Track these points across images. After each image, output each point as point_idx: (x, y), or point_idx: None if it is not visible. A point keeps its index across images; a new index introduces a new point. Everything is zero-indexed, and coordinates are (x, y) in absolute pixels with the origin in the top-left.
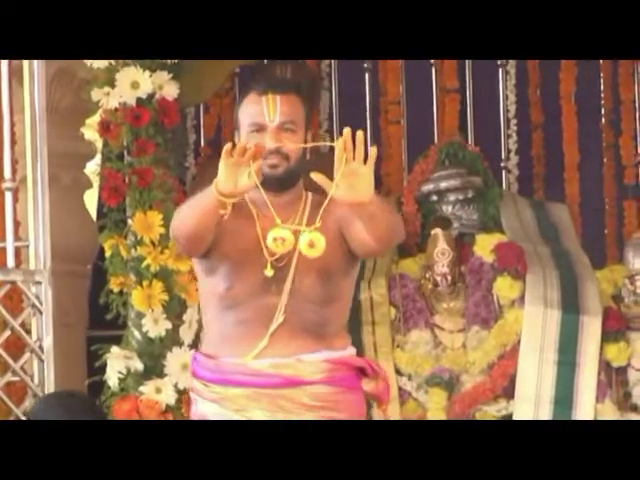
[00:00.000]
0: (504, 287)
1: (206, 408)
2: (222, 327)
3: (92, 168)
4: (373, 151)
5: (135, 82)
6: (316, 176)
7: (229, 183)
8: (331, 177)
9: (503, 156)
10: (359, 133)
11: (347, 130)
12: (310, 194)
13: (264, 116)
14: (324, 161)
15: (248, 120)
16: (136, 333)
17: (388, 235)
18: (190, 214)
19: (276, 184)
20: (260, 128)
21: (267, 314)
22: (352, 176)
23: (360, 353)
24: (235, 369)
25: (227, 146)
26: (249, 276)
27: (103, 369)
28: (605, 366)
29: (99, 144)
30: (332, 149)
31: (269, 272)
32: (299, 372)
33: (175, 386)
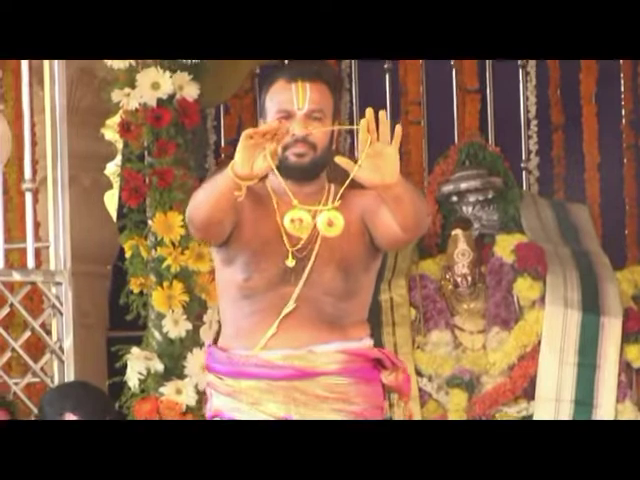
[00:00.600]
0: (524, 288)
1: (221, 402)
2: (237, 317)
3: (112, 169)
4: (398, 130)
5: (155, 83)
6: (340, 159)
7: (246, 165)
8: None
9: (523, 157)
10: (381, 113)
11: (369, 110)
12: (333, 186)
13: (292, 103)
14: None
15: (276, 107)
16: (156, 334)
17: (415, 219)
18: (205, 197)
19: (300, 174)
20: (288, 115)
21: (281, 304)
22: (377, 157)
23: None
24: (247, 361)
25: (248, 130)
26: (269, 266)
27: (123, 370)
28: (625, 367)
29: (119, 145)
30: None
31: (290, 262)
32: (311, 363)
33: (195, 387)
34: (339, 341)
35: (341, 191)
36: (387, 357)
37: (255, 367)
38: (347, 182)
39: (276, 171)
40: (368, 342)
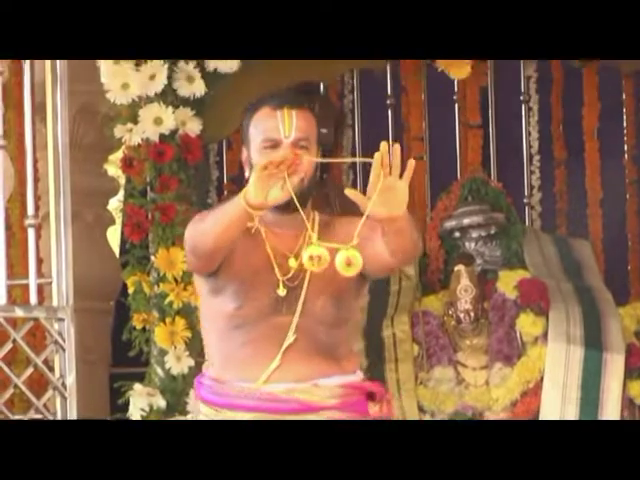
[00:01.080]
0: (527, 324)
1: None
2: (230, 348)
3: (115, 204)
4: (411, 164)
5: (158, 118)
6: (350, 192)
7: (260, 196)
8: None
9: (526, 192)
10: (396, 147)
11: (384, 144)
12: (317, 213)
13: (279, 131)
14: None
15: (261, 136)
16: (159, 370)
17: (412, 251)
18: (213, 225)
19: (287, 203)
20: (274, 144)
21: (277, 334)
22: (387, 191)
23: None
24: (247, 393)
25: (263, 161)
26: (260, 296)
27: (126, 406)
28: (628, 403)
29: (122, 180)
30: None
31: (282, 292)
32: (315, 397)
33: None
34: (338, 374)
35: (358, 229)
36: (379, 390)
37: (257, 400)
38: (362, 220)
39: (297, 201)
40: (360, 375)
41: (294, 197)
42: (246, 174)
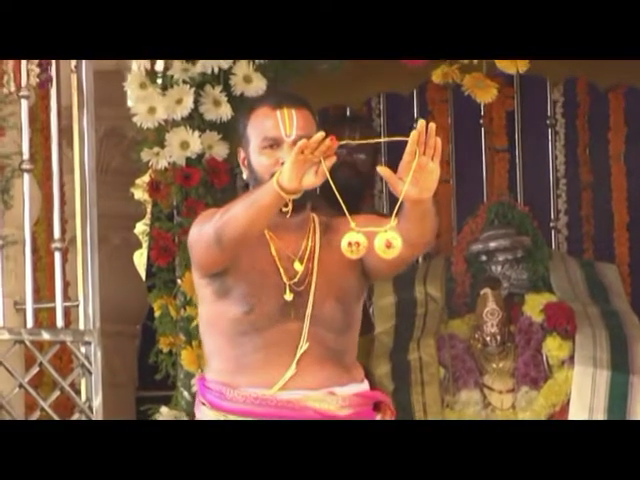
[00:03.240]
0: (553, 347)
1: None
2: (239, 354)
3: (141, 228)
4: (439, 143)
5: (185, 142)
6: (384, 171)
7: (295, 180)
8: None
9: (552, 216)
10: (431, 125)
11: (422, 122)
12: (315, 215)
13: (279, 130)
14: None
15: (261, 135)
16: (185, 393)
17: (430, 236)
18: (246, 210)
19: (291, 205)
20: (275, 143)
21: (288, 340)
22: (420, 170)
23: (410, 413)
24: (262, 400)
25: (301, 143)
26: (268, 299)
27: None
28: None
29: (149, 204)
30: None
31: (288, 296)
32: (331, 406)
33: None
34: (352, 383)
35: (396, 209)
36: (385, 399)
37: (272, 407)
38: (399, 203)
39: (333, 185)
40: (367, 383)
41: (330, 180)
42: (244, 176)
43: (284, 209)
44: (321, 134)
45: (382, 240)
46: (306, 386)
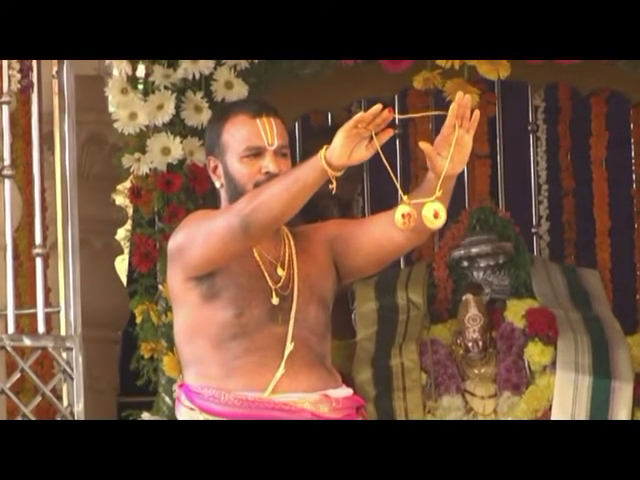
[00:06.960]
0: (535, 353)
1: None
2: (227, 358)
3: (123, 234)
4: (476, 115)
5: (166, 148)
6: (424, 145)
7: (344, 155)
8: None
9: (534, 222)
10: (468, 97)
11: (460, 94)
12: (283, 225)
13: (262, 139)
14: None
15: (243, 144)
16: (167, 399)
17: (443, 221)
18: (282, 192)
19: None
20: (258, 152)
21: (277, 344)
22: (456, 144)
23: (392, 418)
24: (259, 403)
25: (357, 117)
26: (257, 303)
27: None
28: None
29: (130, 210)
30: None
31: (275, 300)
32: (325, 409)
33: None
34: (341, 386)
35: (439, 184)
36: (363, 402)
37: (267, 410)
38: (441, 178)
39: (383, 157)
40: (347, 388)
41: (381, 153)
42: (216, 184)
43: (330, 186)
44: (378, 106)
45: (430, 210)
46: (301, 389)
